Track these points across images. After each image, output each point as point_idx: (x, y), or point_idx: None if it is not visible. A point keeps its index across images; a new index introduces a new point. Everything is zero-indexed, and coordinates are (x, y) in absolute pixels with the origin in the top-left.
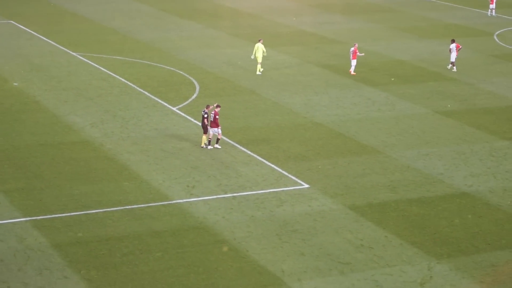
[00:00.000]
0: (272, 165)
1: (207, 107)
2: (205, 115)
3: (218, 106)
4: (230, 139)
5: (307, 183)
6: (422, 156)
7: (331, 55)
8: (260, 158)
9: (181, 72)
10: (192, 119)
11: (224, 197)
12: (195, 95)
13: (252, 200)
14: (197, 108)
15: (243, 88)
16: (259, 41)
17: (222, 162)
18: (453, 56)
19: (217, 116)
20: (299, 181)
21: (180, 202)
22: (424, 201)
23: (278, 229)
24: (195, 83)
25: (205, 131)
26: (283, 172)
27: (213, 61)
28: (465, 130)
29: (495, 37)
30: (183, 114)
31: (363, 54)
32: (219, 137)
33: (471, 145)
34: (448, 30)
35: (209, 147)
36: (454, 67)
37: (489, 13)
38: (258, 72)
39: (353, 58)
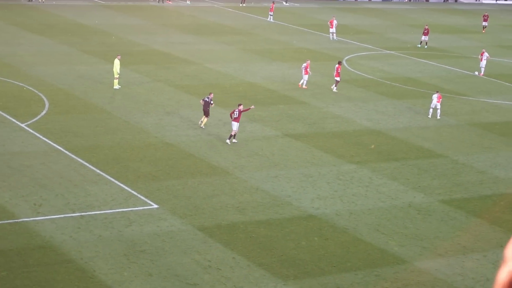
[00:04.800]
0: (122, 185)
1: (210, 94)
2: (211, 102)
3: (240, 104)
4: (79, 158)
5: (156, 203)
6: (271, 178)
7: (183, 75)
8: (109, 177)
9: (31, 88)
10: (41, 136)
11: (72, 216)
12: (44, 112)
13: (100, 220)
14: (46, 125)
15: (94, 106)
16: (117, 56)
17: (71, 181)
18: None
19: (241, 113)
20: (148, 201)
21: (26, 220)
22: (272, 223)
23: (126, 249)
24: (45, 99)
25: (205, 114)
26: (133, 191)
27: (64, 77)
28: (313, 153)
29: (344, 62)
30: (31, 131)
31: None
32: (232, 133)
33: (319, 168)
34: (299, 53)
35: (233, 140)
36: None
37: (330, 37)
38: (115, 87)
39: (305, 74)
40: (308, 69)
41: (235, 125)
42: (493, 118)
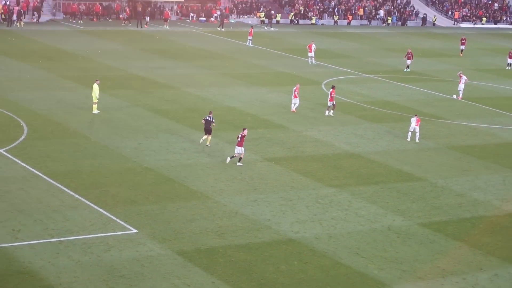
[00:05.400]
0: (101, 210)
1: (210, 112)
2: (213, 120)
3: (245, 129)
4: (58, 183)
5: (136, 228)
6: (250, 202)
7: (163, 100)
8: (88, 202)
9: (9, 113)
10: (19, 161)
11: (50, 242)
12: (23, 137)
13: (79, 245)
14: (25, 150)
15: (73, 131)
16: (96, 81)
17: (49, 206)
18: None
19: (243, 137)
20: (127, 226)
21: (4, 246)
22: (252, 247)
23: (105, 274)
24: (23, 124)
25: (206, 132)
26: (112, 216)
27: (42, 102)
28: (292, 177)
29: (322, 86)
30: (10, 156)
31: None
32: (242, 156)
33: (298, 192)
34: (277, 78)
35: (228, 159)
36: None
37: (309, 61)
38: (94, 112)
39: (295, 97)
40: (296, 93)
41: (237, 149)
42: (472, 141)
